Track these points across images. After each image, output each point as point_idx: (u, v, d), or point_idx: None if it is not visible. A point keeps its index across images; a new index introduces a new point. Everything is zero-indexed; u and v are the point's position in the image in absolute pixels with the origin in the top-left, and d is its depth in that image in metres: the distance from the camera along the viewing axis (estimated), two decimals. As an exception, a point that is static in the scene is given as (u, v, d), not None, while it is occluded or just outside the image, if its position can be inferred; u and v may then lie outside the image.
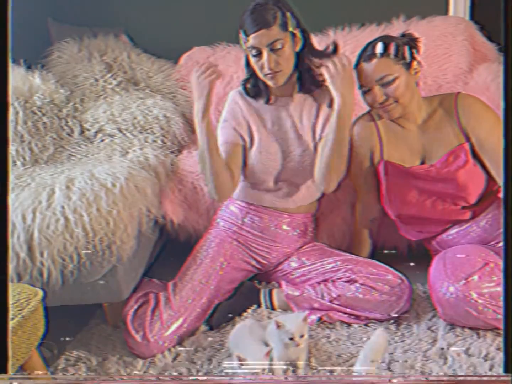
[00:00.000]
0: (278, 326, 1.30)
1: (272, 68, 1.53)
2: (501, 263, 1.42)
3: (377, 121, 1.63)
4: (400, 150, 1.60)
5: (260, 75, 1.59)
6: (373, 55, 1.52)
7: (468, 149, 1.53)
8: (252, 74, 1.64)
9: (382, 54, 1.51)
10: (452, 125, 1.55)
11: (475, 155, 1.54)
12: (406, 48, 1.53)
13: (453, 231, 1.61)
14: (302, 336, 1.30)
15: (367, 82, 1.53)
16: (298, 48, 1.57)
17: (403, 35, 1.57)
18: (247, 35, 1.52)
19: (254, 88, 1.67)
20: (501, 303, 1.36)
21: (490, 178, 1.55)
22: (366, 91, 1.55)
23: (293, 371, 1.33)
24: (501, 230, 1.53)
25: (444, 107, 1.57)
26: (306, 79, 1.63)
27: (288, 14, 1.52)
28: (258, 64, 1.55)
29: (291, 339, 1.29)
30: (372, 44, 1.54)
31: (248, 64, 1.63)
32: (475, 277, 1.40)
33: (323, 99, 1.64)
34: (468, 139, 1.54)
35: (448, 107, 1.56)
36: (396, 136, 1.61)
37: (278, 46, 1.51)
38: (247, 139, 1.66)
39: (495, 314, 1.38)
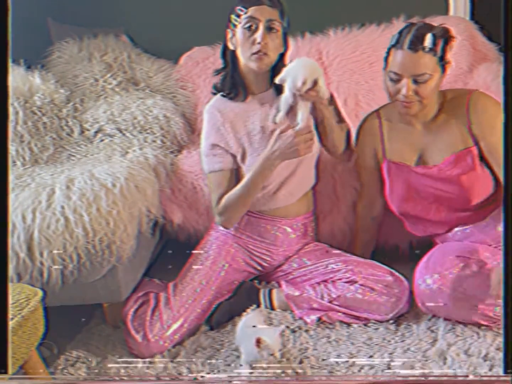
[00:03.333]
0: (259, 343, 1.29)
1: (262, 45, 1.46)
2: (492, 262, 1.43)
3: (383, 119, 1.60)
4: (400, 146, 1.57)
5: (244, 56, 1.51)
6: (421, 46, 1.38)
7: (476, 153, 1.48)
8: (228, 64, 1.57)
9: (430, 50, 1.38)
10: (460, 127, 1.48)
11: (482, 159, 1.49)
12: (448, 47, 1.42)
13: (457, 229, 1.60)
14: (280, 350, 1.32)
15: (402, 71, 1.40)
16: (282, 49, 1.55)
17: (442, 29, 1.42)
18: (246, 8, 1.48)
19: (229, 80, 1.57)
20: (480, 298, 1.40)
21: (497, 183, 1.50)
22: (395, 80, 1.43)
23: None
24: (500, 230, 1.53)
25: (455, 106, 1.49)
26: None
27: (286, 15, 1.53)
28: (249, 40, 1.48)
29: (272, 354, 1.30)
30: (421, 33, 1.39)
31: (224, 54, 1.58)
32: (454, 271, 1.42)
33: None
34: (476, 142, 1.48)
35: (459, 107, 1.48)
36: (399, 133, 1.57)
37: (275, 27, 1.49)
38: (239, 156, 1.58)
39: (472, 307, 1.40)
